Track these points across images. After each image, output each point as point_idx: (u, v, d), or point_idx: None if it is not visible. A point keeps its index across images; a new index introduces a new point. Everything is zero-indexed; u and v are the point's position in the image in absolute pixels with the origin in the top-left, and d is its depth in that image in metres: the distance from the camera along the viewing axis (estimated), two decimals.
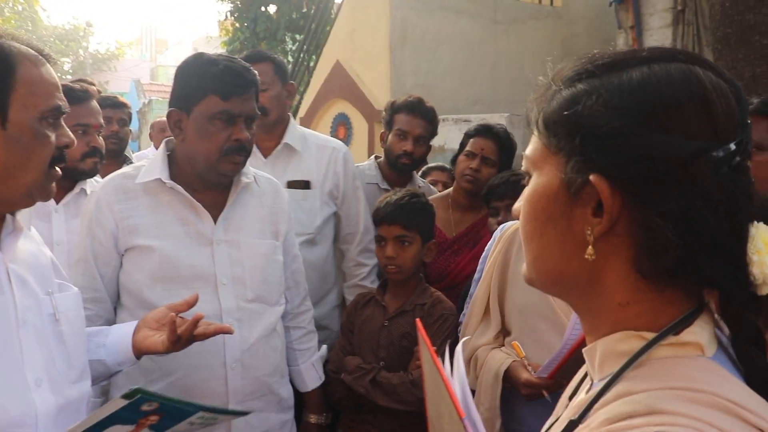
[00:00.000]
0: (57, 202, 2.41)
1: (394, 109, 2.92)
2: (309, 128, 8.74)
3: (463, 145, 2.79)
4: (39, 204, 2.38)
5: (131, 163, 3.35)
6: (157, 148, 3.69)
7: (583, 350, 0.80)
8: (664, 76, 0.70)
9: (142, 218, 1.87)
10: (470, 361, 2.07)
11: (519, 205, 0.82)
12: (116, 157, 3.48)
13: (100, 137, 2.50)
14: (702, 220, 0.68)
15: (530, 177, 0.80)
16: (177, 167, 1.91)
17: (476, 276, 2.18)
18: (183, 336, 1.50)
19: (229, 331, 1.60)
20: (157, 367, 1.82)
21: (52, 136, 1.27)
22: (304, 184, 2.51)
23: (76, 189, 2.44)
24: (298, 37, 12.92)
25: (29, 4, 25.15)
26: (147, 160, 1.99)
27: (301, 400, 2.19)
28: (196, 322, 1.50)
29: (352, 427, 2.32)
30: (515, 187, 2.34)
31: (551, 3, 8.48)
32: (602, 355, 0.75)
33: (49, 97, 1.26)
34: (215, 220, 1.90)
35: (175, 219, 1.88)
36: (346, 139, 7.94)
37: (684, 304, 0.72)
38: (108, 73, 29.17)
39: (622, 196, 0.69)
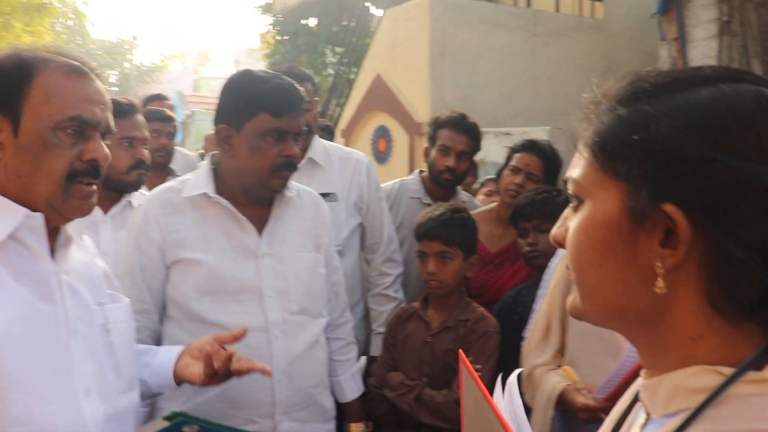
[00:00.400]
0: (104, 213, 2.46)
1: (438, 124, 2.93)
2: (350, 141, 8.78)
3: (508, 159, 2.78)
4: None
5: (176, 175, 3.42)
6: None
7: (642, 384, 0.76)
8: (735, 98, 0.67)
9: (188, 232, 1.90)
10: (528, 379, 2.05)
11: (561, 231, 0.78)
12: (162, 170, 3.54)
13: (146, 150, 2.55)
14: None
15: (579, 202, 0.75)
16: (222, 181, 1.94)
17: (540, 291, 2.17)
18: (219, 371, 1.50)
19: (265, 371, 1.57)
20: None
21: (72, 149, 1.24)
22: (331, 197, 2.53)
23: (123, 201, 2.49)
24: (338, 49, 13.03)
25: (79, 19, 25.86)
26: (192, 175, 2.03)
27: (341, 411, 2.21)
28: (230, 357, 1.50)
29: None
30: (540, 206, 2.31)
31: (592, 15, 8.41)
32: (671, 391, 0.69)
33: (69, 108, 1.24)
34: (260, 233, 1.93)
35: (220, 233, 1.91)
36: (387, 152, 7.96)
37: (758, 336, 0.67)
38: (152, 85, 29.74)
39: (696, 226, 0.65)
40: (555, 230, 0.79)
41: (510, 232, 2.77)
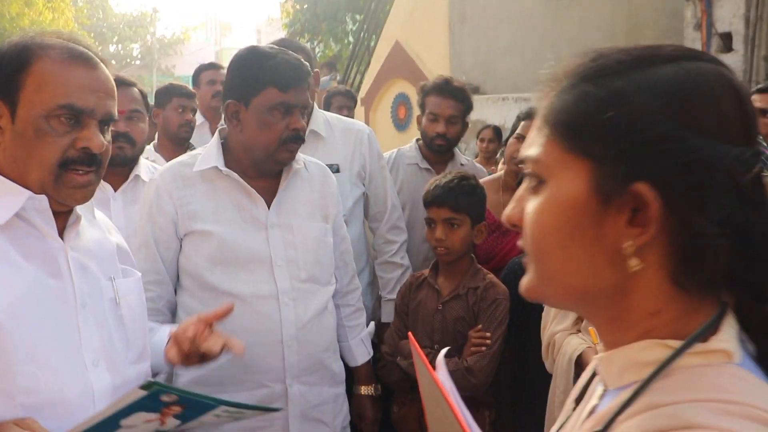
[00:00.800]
0: (115, 190, 2.49)
1: (425, 92, 2.98)
2: (370, 109, 8.76)
3: (514, 127, 2.79)
4: (98, 191, 2.48)
5: (193, 149, 3.47)
6: None
7: (597, 357, 0.77)
8: (698, 76, 0.67)
9: (200, 204, 1.95)
10: (548, 347, 2.08)
11: (516, 211, 0.76)
12: (183, 144, 3.59)
13: (133, 123, 2.51)
14: (751, 225, 0.66)
15: (539, 182, 0.73)
16: (231, 155, 1.99)
17: None
18: (188, 353, 1.50)
19: (235, 350, 1.55)
20: None
21: (65, 137, 1.25)
22: (334, 168, 2.54)
23: (131, 176, 2.52)
24: (358, 17, 12.93)
25: None
26: (202, 149, 2.07)
27: (351, 375, 2.27)
28: (192, 341, 1.49)
29: (407, 404, 2.37)
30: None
31: None
32: (623, 364, 0.71)
33: (61, 96, 1.25)
34: (269, 205, 1.98)
35: (231, 205, 1.95)
36: (407, 120, 7.95)
37: (709, 308, 0.69)
38: (174, 57, 29.85)
39: (664, 204, 0.65)
40: (509, 211, 0.77)
41: None
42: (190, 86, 3.99)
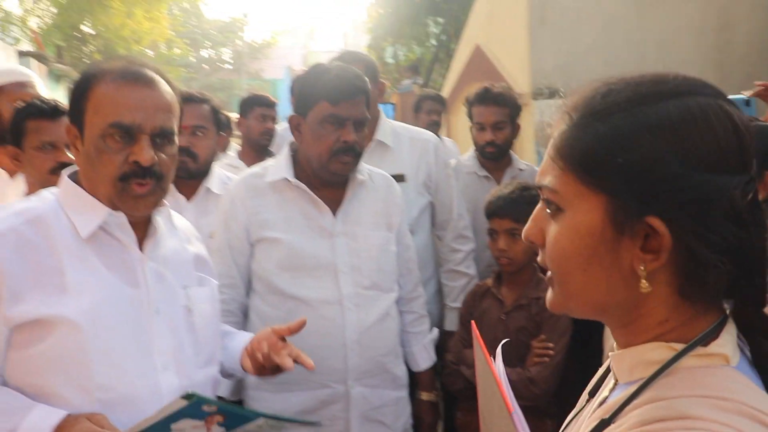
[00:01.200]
0: (188, 200, 2.63)
1: (469, 103, 3.08)
2: (451, 112, 8.76)
3: None
4: (171, 201, 2.63)
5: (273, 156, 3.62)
6: None
7: (611, 354, 0.86)
8: (700, 114, 0.75)
9: (270, 213, 2.08)
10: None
11: (535, 231, 0.85)
12: (263, 152, 3.75)
13: (196, 138, 2.61)
14: (747, 244, 0.74)
15: (557, 210, 0.81)
16: (299, 167, 2.11)
17: None
18: (265, 364, 1.60)
19: (306, 364, 1.61)
20: None
21: (120, 153, 1.36)
22: (399, 178, 2.59)
23: (202, 189, 2.63)
24: (440, 20, 12.97)
25: (193, 1, 27.02)
26: (274, 160, 2.20)
27: (414, 380, 2.33)
28: (266, 356, 1.58)
29: (470, 411, 2.41)
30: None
31: None
32: (633, 362, 0.80)
33: (111, 115, 1.35)
34: (335, 214, 2.08)
35: (299, 214, 2.07)
36: None
37: (712, 315, 0.78)
38: (263, 60, 30.70)
39: (672, 232, 0.74)
40: (527, 230, 0.86)
41: None
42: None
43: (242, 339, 1.71)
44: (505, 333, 2.31)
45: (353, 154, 2.04)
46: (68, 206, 1.40)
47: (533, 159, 5.73)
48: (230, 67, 31.02)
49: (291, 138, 2.17)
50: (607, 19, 7.19)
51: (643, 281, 0.76)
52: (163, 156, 1.41)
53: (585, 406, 0.93)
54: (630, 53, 7.25)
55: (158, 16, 17.52)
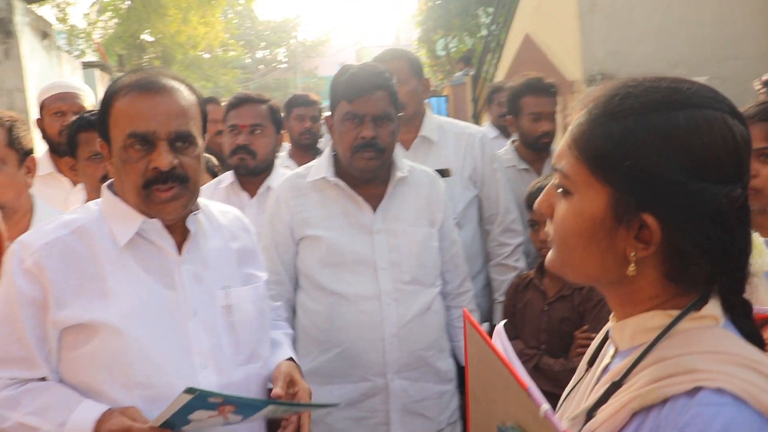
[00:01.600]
0: (251, 197, 2.75)
1: (516, 94, 3.04)
2: None
3: None
4: (235, 199, 2.73)
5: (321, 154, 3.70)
6: None
7: (611, 326, 0.98)
8: (705, 127, 0.84)
9: (312, 212, 2.15)
10: None
11: (546, 204, 0.96)
12: (309, 150, 3.83)
13: (253, 136, 2.71)
14: (727, 246, 0.85)
15: (567, 193, 0.92)
16: (341, 165, 2.16)
17: None
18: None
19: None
20: (327, 339, 2.10)
21: (141, 161, 1.41)
22: (444, 172, 2.61)
23: (264, 186, 2.75)
24: (490, 10, 12.85)
25: (247, 4, 27.50)
26: (317, 160, 2.27)
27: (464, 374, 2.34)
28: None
29: None
30: None
31: None
32: (634, 330, 0.91)
33: (127, 126, 1.41)
34: (375, 211, 2.13)
35: (339, 212, 2.14)
36: None
37: (698, 289, 0.88)
38: (316, 58, 31.00)
39: (662, 227, 0.85)
40: (539, 203, 0.98)
41: None
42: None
43: (279, 357, 1.69)
44: (548, 324, 2.32)
45: (375, 149, 2.06)
46: (108, 216, 1.49)
47: None
48: (285, 66, 31.45)
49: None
50: (660, 1, 7.01)
51: (631, 266, 0.87)
52: (186, 159, 1.45)
53: (584, 375, 1.04)
54: (686, 35, 7.06)
55: (213, 21, 17.93)
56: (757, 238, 0.91)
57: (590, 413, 0.90)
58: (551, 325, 2.32)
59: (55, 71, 7.76)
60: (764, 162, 1.74)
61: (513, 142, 3.19)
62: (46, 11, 13.36)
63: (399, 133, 2.18)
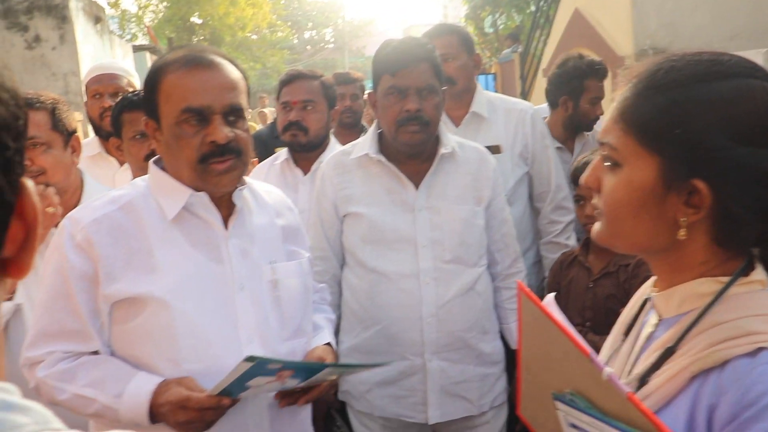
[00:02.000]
0: (305, 174, 2.77)
1: (579, 75, 3.00)
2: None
3: None
4: (290, 176, 2.76)
5: (366, 131, 3.71)
6: None
7: (655, 294, 1.00)
8: (748, 95, 0.87)
9: (355, 189, 2.15)
10: None
11: (593, 178, 0.99)
12: (352, 128, 3.84)
13: (305, 112, 2.72)
14: None
15: (615, 165, 0.95)
16: (385, 142, 2.15)
17: None
18: None
19: None
20: (368, 316, 2.11)
21: (196, 136, 1.42)
22: (495, 149, 2.58)
23: (317, 162, 2.74)
24: None
25: None
26: (362, 138, 2.26)
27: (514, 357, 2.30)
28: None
29: None
30: None
31: None
32: (683, 297, 0.94)
33: (181, 101, 1.41)
34: (418, 188, 2.11)
35: (382, 189, 2.13)
36: None
37: (743, 256, 0.92)
38: (364, 38, 30.92)
39: (711, 192, 0.87)
40: (587, 177, 1.01)
41: None
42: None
43: (320, 340, 1.73)
44: (593, 301, 2.29)
45: (419, 122, 2.02)
46: (156, 191, 1.51)
47: None
48: (332, 46, 31.46)
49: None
50: None
51: (682, 230, 0.90)
52: (238, 131, 1.47)
53: (620, 346, 1.06)
54: (744, 4, 6.80)
55: (260, 2, 18.06)
56: None
57: (643, 379, 0.92)
58: (596, 302, 2.29)
59: (107, 55, 7.93)
60: None
61: (543, 119, 3.15)
62: None
63: (443, 106, 2.14)
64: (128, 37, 14.76)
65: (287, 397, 1.53)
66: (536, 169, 2.74)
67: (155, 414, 1.38)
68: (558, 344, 0.94)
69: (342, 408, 2.27)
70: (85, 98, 3.13)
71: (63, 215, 1.89)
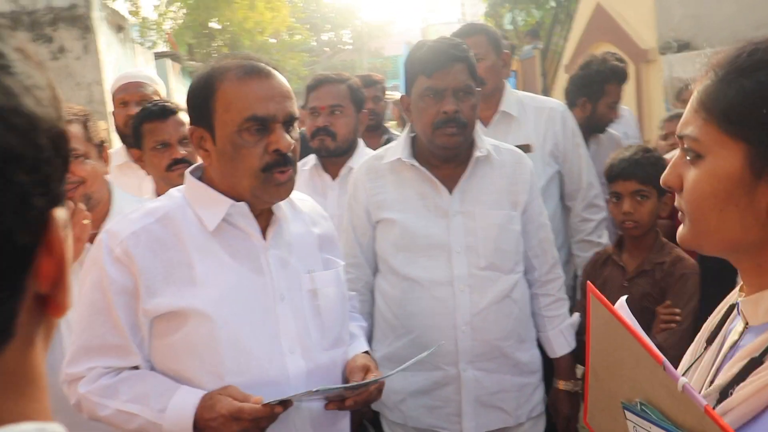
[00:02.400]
0: (333, 179, 2.75)
1: (601, 79, 3.06)
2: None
3: None
4: (318, 181, 2.75)
5: (389, 134, 3.69)
6: None
7: (742, 300, 0.92)
8: None
9: (388, 194, 2.11)
10: None
11: (673, 177, 0.93)
12: (375, 131, 3.82)
13: (333, 117, 2.68)
14: None
15: (697, 157, 0.89)
16: (418, 146, 2.11)
17: None
18: None
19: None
20: (401, 325, 2.07)
21: (258, 145, 1.41)
22: (525, 148, 2.54)
23: (346, 167, 2.72)
24: None
25: None
26: (395, 142, 2.22)
27: (551, 366, 2.23)
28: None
29: None
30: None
31: None
32: None
33: (244, 110, 1.40)
34: (452, 192, 2.06)
35: (415, 194, 2.08)
36: None
37: None
38: (382, 38, 30.86)
39: None
40: (666, 176, 0.95)
41: None
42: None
43: (355, 350, 1.72)
44: (628, 300, 2.25)
45: (457, 124, 1.96)
46: (194, 202, 1.50)
47: (662, 115, 5.43)
48: (351, 47, 31.46)
49: None
50: None
51: None
52: (293, 142, 1.46)
53: (703, 353, 0.99)
54: None
55: (278, 6, 18.13)
56: None
57: (724, 392, 0.86)
58: (632, 301, 2.22)
59: (130, 63, 8.00)
60: None
61: None
62: (119, 5, 13.79)
63: (479, 107, 2.09)
64: (149, 44, 14.89)
65: (334, 401, 1.52)
66: (567, 167, 2.71)
67: (201, 428, 1.38)
68: (629, 350, 0.91)
69: (375, 418, 2.24)
70: (110, 107, 3.14)
71: (93, 226, 1.90)
